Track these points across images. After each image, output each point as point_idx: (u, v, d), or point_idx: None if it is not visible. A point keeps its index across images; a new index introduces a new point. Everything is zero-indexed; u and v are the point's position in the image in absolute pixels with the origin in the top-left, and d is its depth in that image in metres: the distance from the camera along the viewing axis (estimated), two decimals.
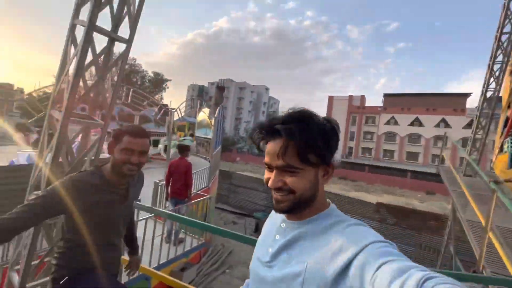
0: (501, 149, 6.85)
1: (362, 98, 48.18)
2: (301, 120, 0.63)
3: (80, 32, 1.58)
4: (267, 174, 0.68)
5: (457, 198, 5.54)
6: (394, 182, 32.63)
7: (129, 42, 1.66)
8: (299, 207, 0.66)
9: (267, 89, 64.93)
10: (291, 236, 0.69)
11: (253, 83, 62.60)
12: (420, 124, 41.44)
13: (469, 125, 37.61)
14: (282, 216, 0.76)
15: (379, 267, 0.46)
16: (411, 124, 42.19)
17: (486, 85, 6.46)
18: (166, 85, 41.24)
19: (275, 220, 0.80)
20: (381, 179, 33.61)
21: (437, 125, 40.07)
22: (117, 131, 1.26)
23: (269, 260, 0.70)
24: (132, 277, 3.30)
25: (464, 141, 9.37)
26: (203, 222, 1.92)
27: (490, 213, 3.29)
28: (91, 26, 1.45)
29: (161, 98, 40.56)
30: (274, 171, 0.65)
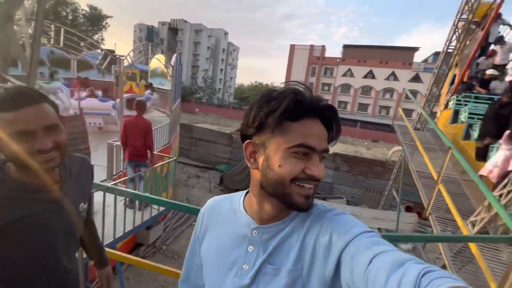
0: (446, 106, 7.56)
1: (323, 48, 47.90)
2: None
3: None
4: (295, 164, 0.52)
5: (408, 149, 6.11)
6: (345, 132, 35.49)
7: None
8: None
9: (226, 33, 59.90)
10: (274, 245, 0.57)
11: (211, 26, 56.94)
12: (373, 77, 43.76)
13: (414, 79, 40.93)
14: (245, 218, 0.62)
15: (371, 260, 0.43)
16: (365, 76, 44.28)
17: (449, 41, 6.66)
18: (106, 23, 34.94)
19: (232, 223, 0.63)
20: None
21: (387, 78, 42.79)
22: None
23: (250, 283, 0.57)
24: None
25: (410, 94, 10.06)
26: (158, 198, 1.68)
27: (443, 168, 3.64)
28: None
29: (102, 39, 34.72)
30: (316, 158, 0.54)
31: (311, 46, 47.44)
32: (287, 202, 0.55)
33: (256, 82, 52.06)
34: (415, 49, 44.60)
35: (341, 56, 46.96)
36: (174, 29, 55.67)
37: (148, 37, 54.06)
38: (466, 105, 5.75)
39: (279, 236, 0.57)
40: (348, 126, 36.98)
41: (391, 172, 9.88)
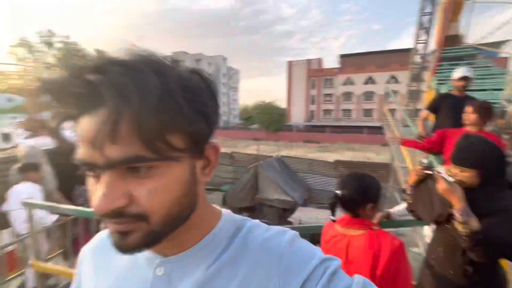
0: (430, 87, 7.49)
1: (320, 61, 48.89)
2: (141, 69, 0.30)
3: None
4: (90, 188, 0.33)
5: (393, 147, 6.03)
6: (353, 139, 34.97)
7: None
8: (162, 239, 0.34)
9: (224, 59, 62.37)
10: (191, 285, 0.37)
11: (210, 54, 59.58)
12: (373, 82, 43.77)
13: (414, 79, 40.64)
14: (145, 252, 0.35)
15: None
16: (366, 82, 44.35)
17: (416, 36, 6.77)
18: None
19: (126, 261, 0.42)
20: (342, 138, 35.72)
21: (388, 82, 42.67)
22: None
23: None
24: None
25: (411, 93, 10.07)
26: None
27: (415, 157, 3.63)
28: None
29: None
30: (104, 177, 0.30)
31: (308, 60, 48.50)
32: None
33: (259, 101, 53.16)
34: (407, 50, 44.42)
35: (339, 66, 47.57)
36: (175, 61, 58.48)
37: None
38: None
39: (198, 273, 0.38)
40: (355, 133, 36.57)
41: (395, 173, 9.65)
